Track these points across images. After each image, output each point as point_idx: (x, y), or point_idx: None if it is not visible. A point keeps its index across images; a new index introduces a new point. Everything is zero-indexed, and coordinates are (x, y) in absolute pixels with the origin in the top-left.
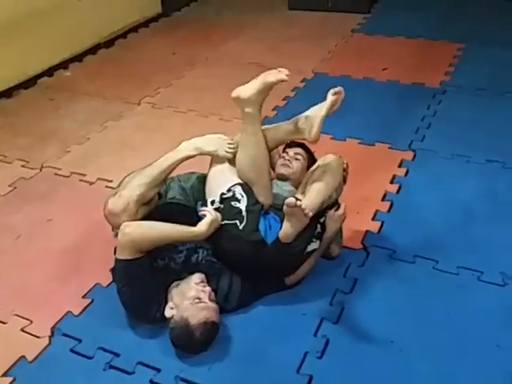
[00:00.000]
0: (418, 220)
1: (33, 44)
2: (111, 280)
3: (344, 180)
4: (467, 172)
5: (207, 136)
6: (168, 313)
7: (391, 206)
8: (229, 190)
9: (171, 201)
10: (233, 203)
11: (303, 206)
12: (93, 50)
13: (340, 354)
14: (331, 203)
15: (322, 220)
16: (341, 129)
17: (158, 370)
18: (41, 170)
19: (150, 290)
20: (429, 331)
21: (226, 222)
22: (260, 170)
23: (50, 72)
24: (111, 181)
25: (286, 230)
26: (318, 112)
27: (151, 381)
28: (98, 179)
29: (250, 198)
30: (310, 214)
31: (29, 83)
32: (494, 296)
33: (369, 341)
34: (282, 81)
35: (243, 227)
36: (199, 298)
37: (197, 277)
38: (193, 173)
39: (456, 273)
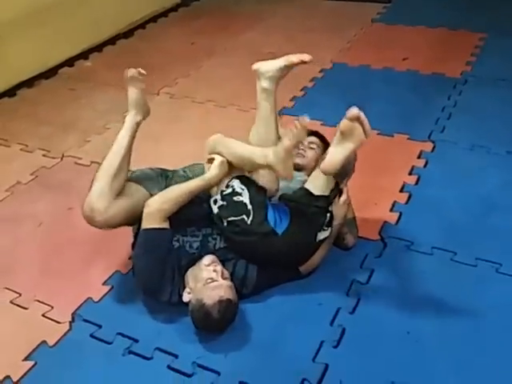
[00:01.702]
0: (436, 211)
1: (53, 34)
2: (131, 267)
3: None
4: (487, 163)
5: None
6: (185, 298)
7: (409, 197)
8: (227, 186)
9: None
10: (235, 198)
11: (366, 121)
12: (112, 40)
13: (356, 343)
14: (336, 192)
15: (331, 208)
16: None
17: (176, 356)
18: (61, 159)
19: (164, 263)
20: (446, 323)
21: (232, 218)
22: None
23: (70, 62)
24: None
25: (334, 157)
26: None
27: (169, 366)
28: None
29: (251, 188)
30: (369, 132)
31: (50, 73)
32: None
33: (385, 331)
34: (304, 62)
35: (251, 221)
36: (211, 278)
37: (207, 259)
38: (197, 164)
39: (474, 264)
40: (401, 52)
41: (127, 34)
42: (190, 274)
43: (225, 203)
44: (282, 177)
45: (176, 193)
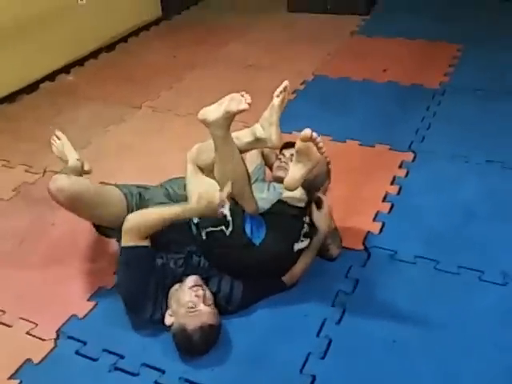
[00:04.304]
0: (419, 221)
1: (34, 49)
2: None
3: (328, 174)
4: (467, 173)
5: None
6: (168, 321)
7: (392, 207)
8: None
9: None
10: None
11: (318, 140)
12: (94, 54)
13: (343, 354)
14: (312, 197)
15: (306, 220)
16: (341, 130)
17: (163, 372)
18: (44, 174)
19: (146, 283)
20: (430, 331)
21: (211, 229)
22: (241, 187)
23: (52, 76)
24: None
25: (294, 174)
26: (270, 119)
27: (156, 382)
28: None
29: (231, 201)
30: (324, 150)
31: (31, 88)
32: (495, 295)
33: (371, 341)
34: (244, 110)
35: (230, 232)
36: (193, 307)
37: (191, 280)
38: (175, 179)
39: (457, 273)
40: (380, 63)
41: (109, 47)
42: (174, 296)
43: None
44: (273, 145)
45: (154, 218)
